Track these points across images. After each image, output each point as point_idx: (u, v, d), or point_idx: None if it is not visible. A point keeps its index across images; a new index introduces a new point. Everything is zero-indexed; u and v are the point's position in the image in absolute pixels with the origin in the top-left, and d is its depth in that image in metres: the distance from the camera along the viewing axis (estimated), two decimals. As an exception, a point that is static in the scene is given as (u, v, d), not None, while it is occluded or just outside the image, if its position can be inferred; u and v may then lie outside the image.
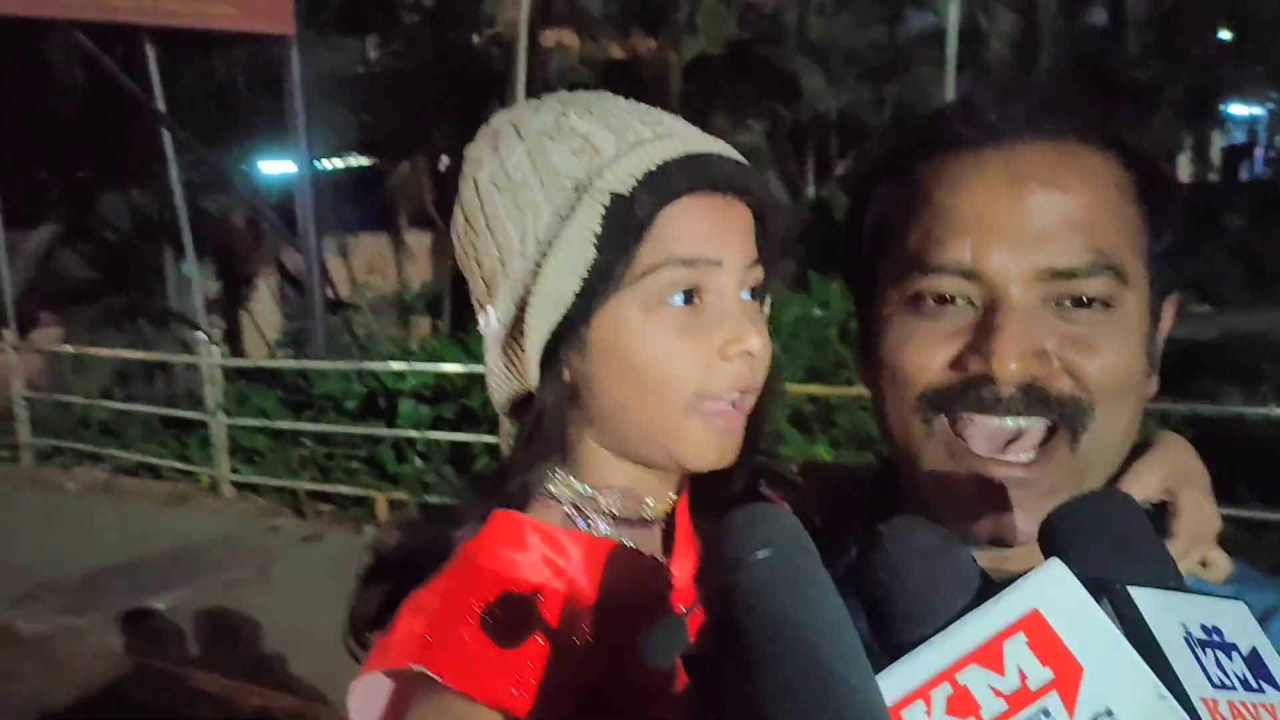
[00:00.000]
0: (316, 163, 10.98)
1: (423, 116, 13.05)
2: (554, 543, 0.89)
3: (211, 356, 8.13)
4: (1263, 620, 0.82)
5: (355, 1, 12.16)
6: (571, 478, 0.93)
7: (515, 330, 0.88)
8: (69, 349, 10.46)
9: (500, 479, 0.92)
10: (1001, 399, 0.81)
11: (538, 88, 12.31)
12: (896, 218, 0.88)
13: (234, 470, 8.07)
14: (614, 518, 0.92)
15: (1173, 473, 0.95)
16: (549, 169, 0.87)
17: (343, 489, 7.53)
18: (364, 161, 14.47)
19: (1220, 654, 0.59)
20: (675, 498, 0.95)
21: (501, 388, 0.95)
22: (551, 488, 0.92)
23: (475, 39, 13.88)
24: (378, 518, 7.21)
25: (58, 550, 6.93)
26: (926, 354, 0.84)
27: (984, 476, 0.83)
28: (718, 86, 12.50)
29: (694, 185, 0.85)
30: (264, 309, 12.62)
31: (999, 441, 0.83)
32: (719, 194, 0.87)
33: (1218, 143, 15.84)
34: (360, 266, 12.70)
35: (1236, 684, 0.58)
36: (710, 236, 0.86)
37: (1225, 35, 14.08)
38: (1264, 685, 0.59)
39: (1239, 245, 13.14)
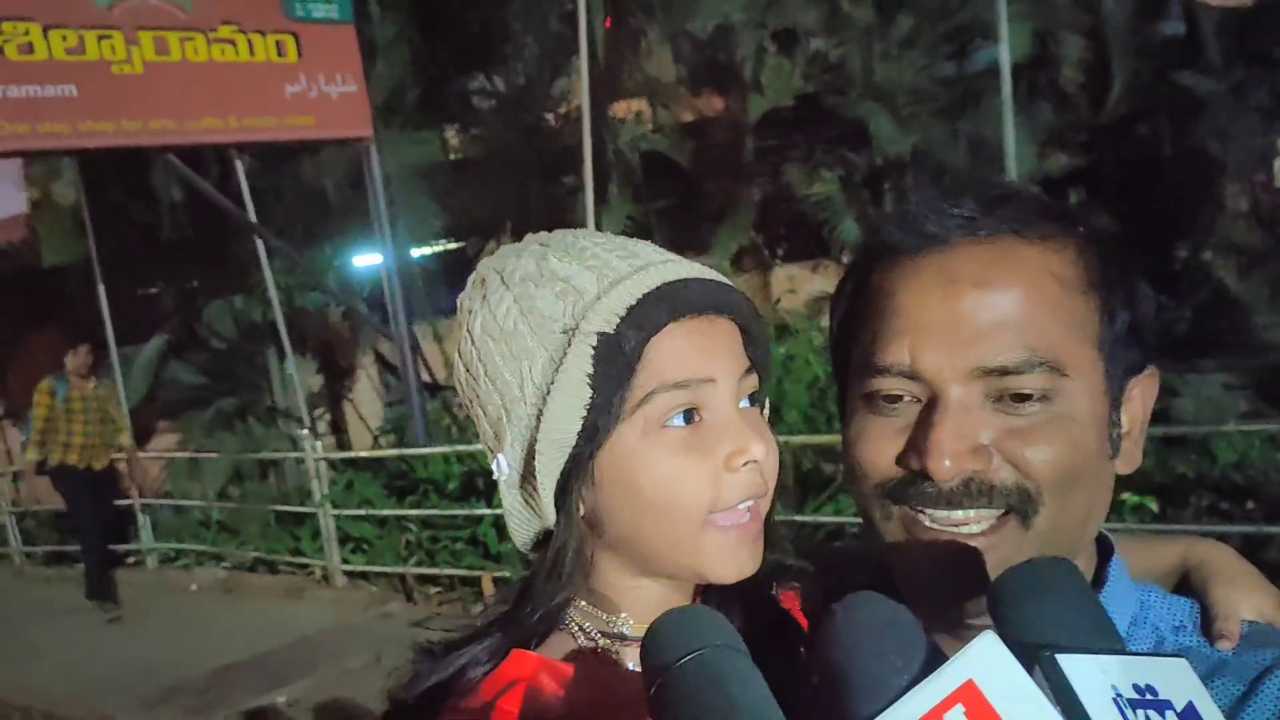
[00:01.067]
0: (405, 252, 11.32)
1: (504, 198, 13.37)
2: (568, 680, 0.91)
3: (314, 450, 8.39)
4: (1256, 680, 0.84)
5: (431, 96, 12.57)
6: (589, 605, 0.96)
7: (528, 472, 0.93)
8: (182, 454, 10.89)
9: (518, 611, 0.95)
10: (944, 494, 0.84)
11: (611, 158, 12.51)
12: (855, 321, 0.94)
13: (344, 560, 8.29)
14: (632, 642, 0.94)
15: (1197, 557, 0.99)
16: (537, 315, 0.91)
17: (449, 571, 7.65)
18: (451, 246, 14.85)
19: (1152, 712, 0.62)
20: None
21: (522, 528, 0.98)
22: (570, 617, 0.96)
23: (550, 118, 14.21)
24: (485, 597, 7.32)
25: (184, 651, 7.21)
26: (876, 450, 0.89)
27: (940, 548, 0.86)
28: (789, 140, 12.57)
29: (675, 312, 0.89)
30: (365, 398, 12.96)
31: (952, 523, 0.86)
32: (701, 316, 0.91)
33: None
34: (454, 349, 12.99)
35: None
36: (699, 357, 0.90)
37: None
38: None
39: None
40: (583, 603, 0.96)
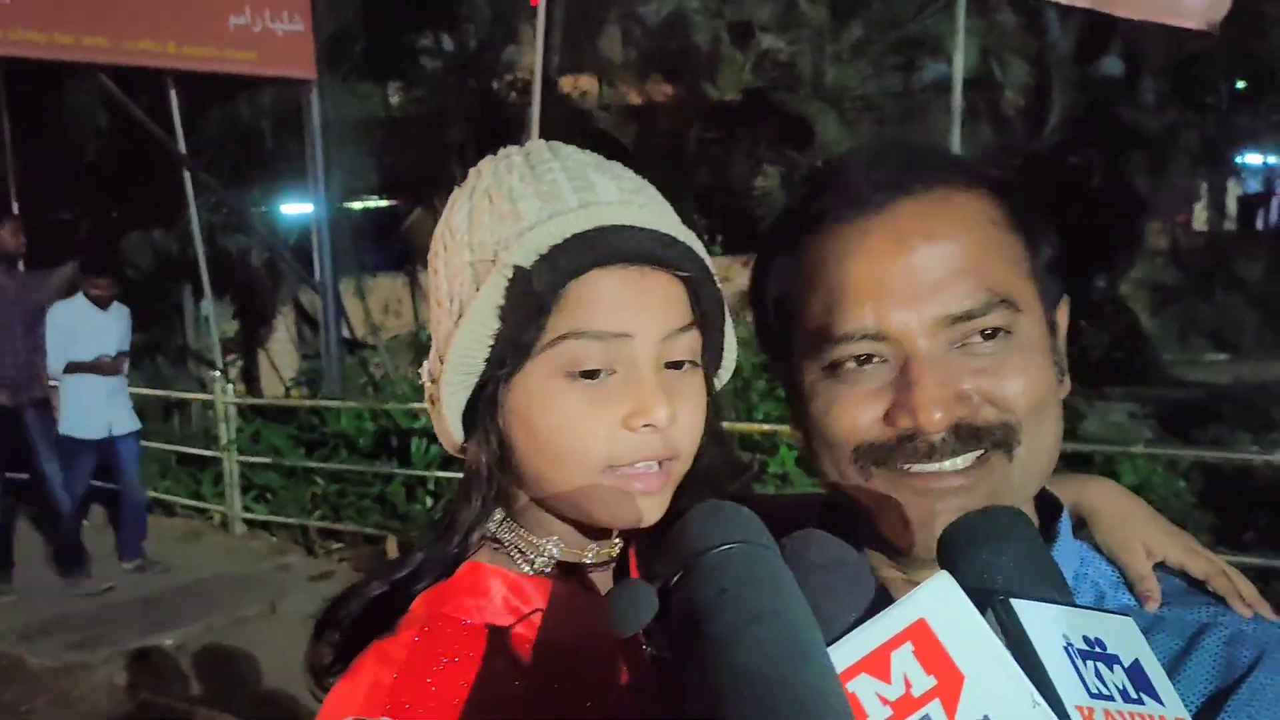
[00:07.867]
0: (336, 205, 11.12)
1: (442, 160, 13.21)
2: (516, 589, 0.90)
3: (226, 394, 8.20)
4: (1194, 637, 0.86)
5: (378, 48, 12.35)
6: (519, 526, 0.94)
7: (437, 388, 0.92)
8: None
9: (447, 531, 0.93)
10: (935, 446, 0.85)
11: (555, 133, 12.50)
12: (796, 292, 0.93)
13: (246, 508, 8.11)
14: (560, 564, 0.93)
15: (1088, 503, 1.01)
16: (478, 234, 0.89)
17: (353, 527, 7.54)
18: (383, 203, 14.62)
19: (1101, 665, 0.62)
20: (620, 542, 0.96)
21: (443, 438, 0.97)
22: (500, 535, 0.94)
23: (495, 85, 14.06)
24: (387, 556, 7.23)
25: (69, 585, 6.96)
26: (853, 416, 0.88)
27: (922, 492, 0.86)
28: (734, 132, 12.62)
29: (600, 259, 0.86)
30: (280, 348, 12.70)
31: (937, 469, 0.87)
32: (631, 266, 0.87)
33: (1233, 192, 15.83)
34: (376, 307, 12.79)
35: (1115, 694, 0.60)
36: (619, 308, 0.86)
37: (1240, 85, 14.12)
38: (1143, 696, 0.62)
39: (1255, 294, 13.11)
40: (514, 523, 0.95)
